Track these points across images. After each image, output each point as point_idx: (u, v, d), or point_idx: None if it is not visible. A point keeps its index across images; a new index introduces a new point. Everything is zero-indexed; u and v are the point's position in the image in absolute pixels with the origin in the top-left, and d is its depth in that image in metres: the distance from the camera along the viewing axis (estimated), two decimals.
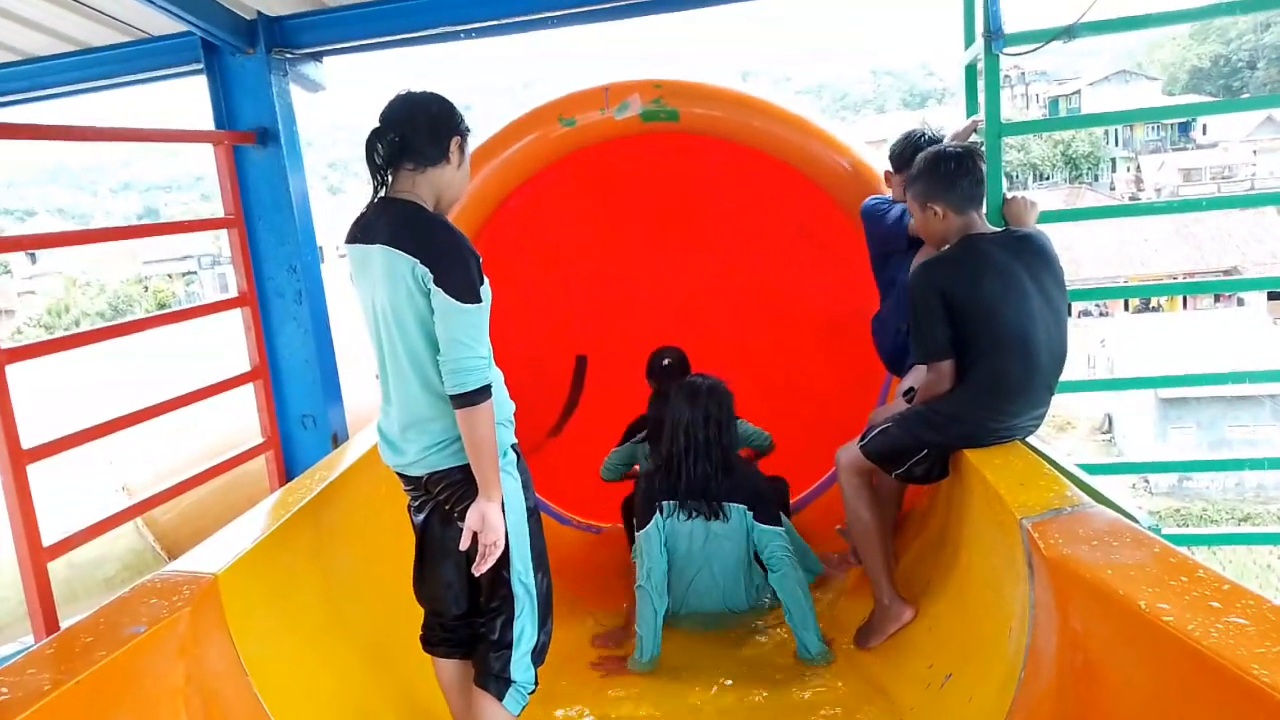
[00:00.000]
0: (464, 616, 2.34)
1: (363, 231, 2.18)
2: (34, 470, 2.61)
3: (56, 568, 2.70)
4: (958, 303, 2.62)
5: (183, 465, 4.39)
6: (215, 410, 3.85)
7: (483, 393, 2.04)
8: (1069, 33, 3.07)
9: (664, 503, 3.27)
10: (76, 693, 1.59)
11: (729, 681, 2.97)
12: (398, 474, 2.32)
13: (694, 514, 3.25)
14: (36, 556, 2.59)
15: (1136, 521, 2.05)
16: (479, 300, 2.07)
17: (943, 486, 3.00)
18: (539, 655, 2.28)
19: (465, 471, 2.13)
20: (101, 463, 4.53)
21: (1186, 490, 24.09)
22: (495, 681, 2.21)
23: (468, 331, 2.04)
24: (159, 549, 4.54)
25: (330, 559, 2.66)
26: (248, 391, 3.69)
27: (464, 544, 2.12)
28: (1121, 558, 1.74)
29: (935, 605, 2.77)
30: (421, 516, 2.34)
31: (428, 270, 2.02)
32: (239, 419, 4.06)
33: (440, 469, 2.19)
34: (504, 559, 2.16)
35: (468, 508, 2.11)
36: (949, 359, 2.67)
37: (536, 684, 2.29)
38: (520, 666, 2.22)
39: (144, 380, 4.96)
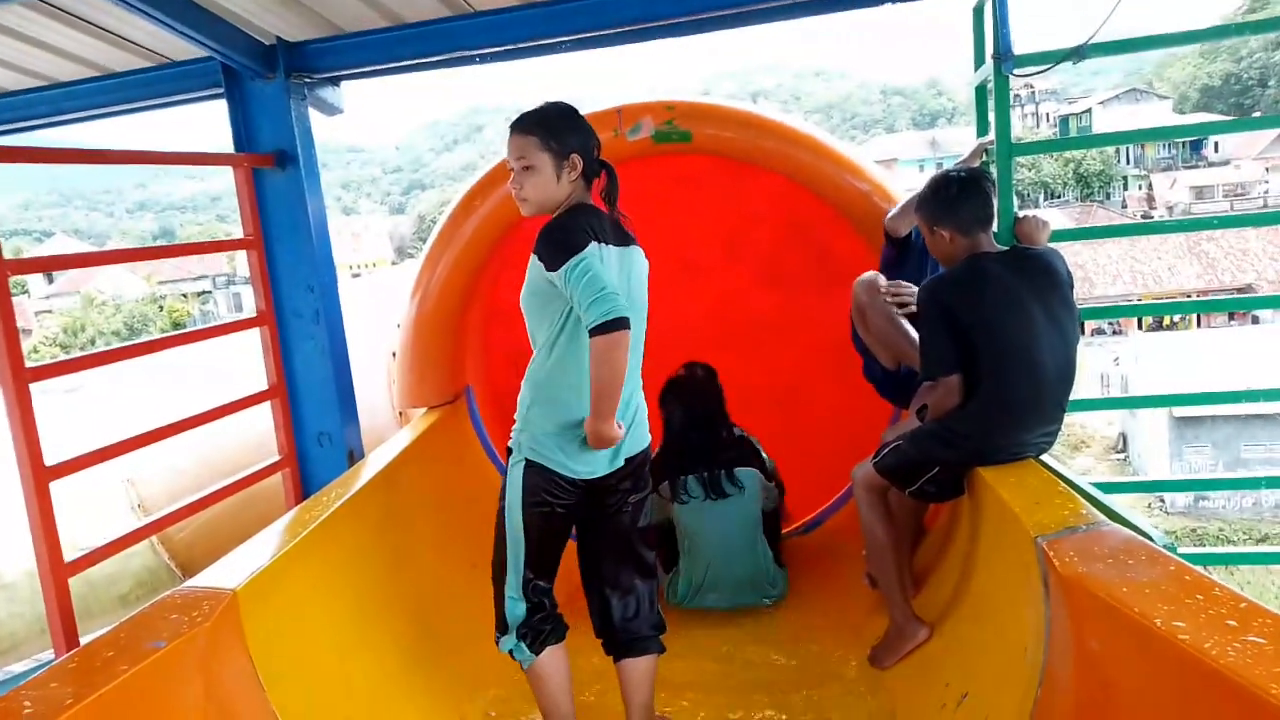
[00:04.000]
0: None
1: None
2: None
3: (73, 585, 2.72)
4: (960, 320, 2.66)
5: (194, 468, 4.43)
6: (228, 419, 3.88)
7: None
8: (1078, 54, 3.09)
9: (680, 478, 3.66)
10: (98, 707, 1.61)
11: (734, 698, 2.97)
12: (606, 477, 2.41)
13: (707, 489, 3.62)
14: (58, 572, 2.62)
15: (1152, 540, 2.05)
16: None
17: (957, 505, 3.01)
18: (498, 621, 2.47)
19: None
20: (115, 480, 4.57)
21: (1202, 510, 23.85)
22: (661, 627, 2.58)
23: None
24: (173, 566, 4.56)
25: (347, 576, 2.68)
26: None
27: None
28: (1137, 576, 1.73)
29: (950, 624, 2.76)
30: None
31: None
32: (248, 425, 4.08)
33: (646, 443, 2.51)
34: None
35: None
36: (955, 374, 2.69)
37: (518, 646, 2.42)
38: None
39: (157, 392, 5.03)
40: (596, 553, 2.52)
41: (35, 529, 2.59)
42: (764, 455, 3.87)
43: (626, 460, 2.40)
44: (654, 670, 2.52)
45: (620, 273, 2.32)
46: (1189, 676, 1.43)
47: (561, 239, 2.20)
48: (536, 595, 2.42)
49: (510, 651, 2.44)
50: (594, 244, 2.20)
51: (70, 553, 2.73)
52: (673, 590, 3.69)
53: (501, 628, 2.46)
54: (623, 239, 2.40)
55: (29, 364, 2.62)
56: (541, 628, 2.43)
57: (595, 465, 2.35)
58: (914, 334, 3.06)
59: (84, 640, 2.39)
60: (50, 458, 2.64)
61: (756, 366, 4.87)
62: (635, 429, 2.41)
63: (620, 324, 2.08)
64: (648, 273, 2.50)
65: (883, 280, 3.28)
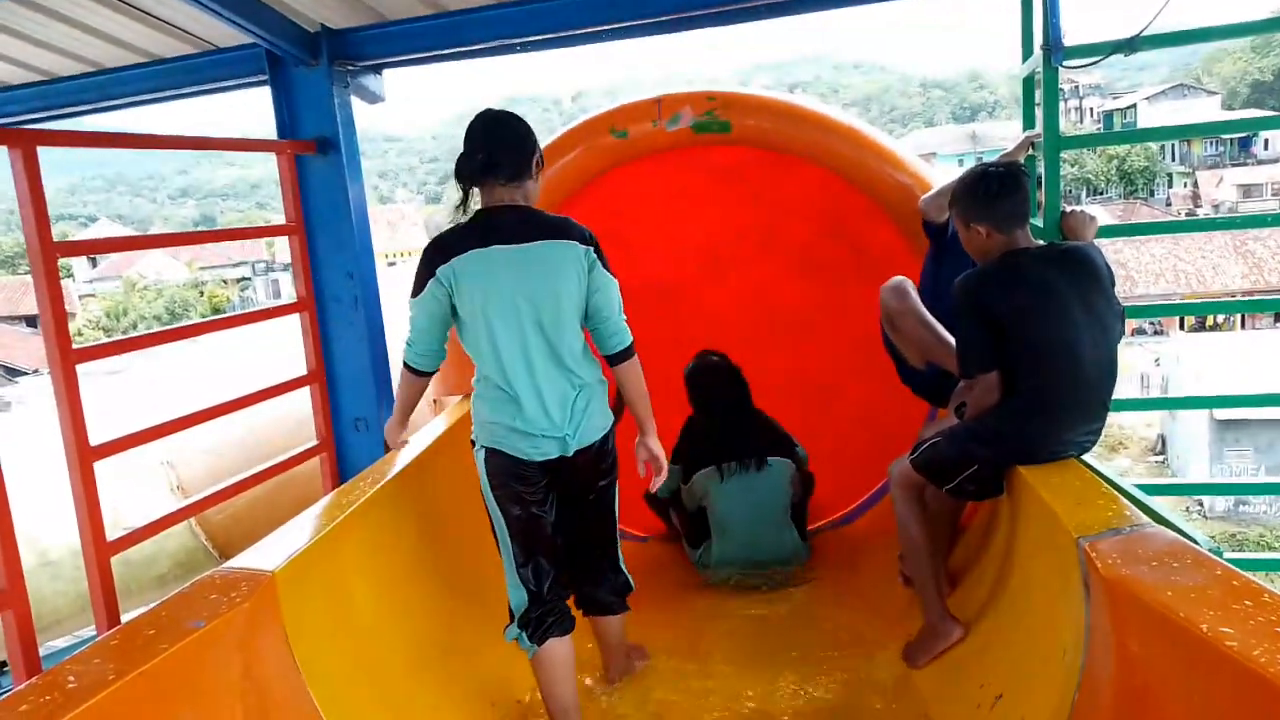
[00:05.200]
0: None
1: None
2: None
3: (113, 563, 2.78)
4: (995, 315, 2.61)
5: (232, 451, 4.50)
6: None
7: (633, 348, 2.54)
8: (1130, 45, 3.02)
9: (713, 464, 3.79)
10: (139, 683, 1.64)
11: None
12: (535, 461, 2.50)
13: (738, 469, 3.76)
14: (101, 551, 2.67)
15: (1197, 544, 2.01)
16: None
17: (996, 504, 2.97)
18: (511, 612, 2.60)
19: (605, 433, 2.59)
20: (155, 461, 4.66)
21: (1243, 515, 23.34)
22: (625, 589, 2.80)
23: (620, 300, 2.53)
24: (210, 548, 4.64)
25: (383, 561, 2.71)
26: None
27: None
28: (1182, 580, 1.70)
29: (987, 624, 2.73)
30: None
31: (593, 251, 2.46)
32: (285, 410, 4.14)
33: (591, 441, 2.53)
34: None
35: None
36: (993, 371, 2.65)
37: (520, 636, 2.55)
38: None
39: (197, 376, 5.11)
40: (569, 529, 2.65)
41: (80, 507, 2.64)
42: (797, 445, 3.92)
43: (575, 454, 2.52)
44: (622, 621, 2.82)
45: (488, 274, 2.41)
46: (1235, 684, 1.40)
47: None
48: (534, 583, 2.51)
49: (516, 640, 2.54)
50: (432, 278, 2.41)
51: (112, 532, 2.78)
52: (704, 565, 3.86)
53: (509, 616, 2.58)
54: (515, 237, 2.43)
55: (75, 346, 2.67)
56: (544, 619, 2.51)
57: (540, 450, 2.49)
58: (947, 335, 3.03)
59: (125, 618, 2.44)
60: (94, 438, 2.69)
61: (790, 360, 4.84)
62: (572, 423, 2.50)
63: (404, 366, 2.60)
64: (563, 258, 2.45)
65: (909, 284, 3.25)
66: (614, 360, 2.53)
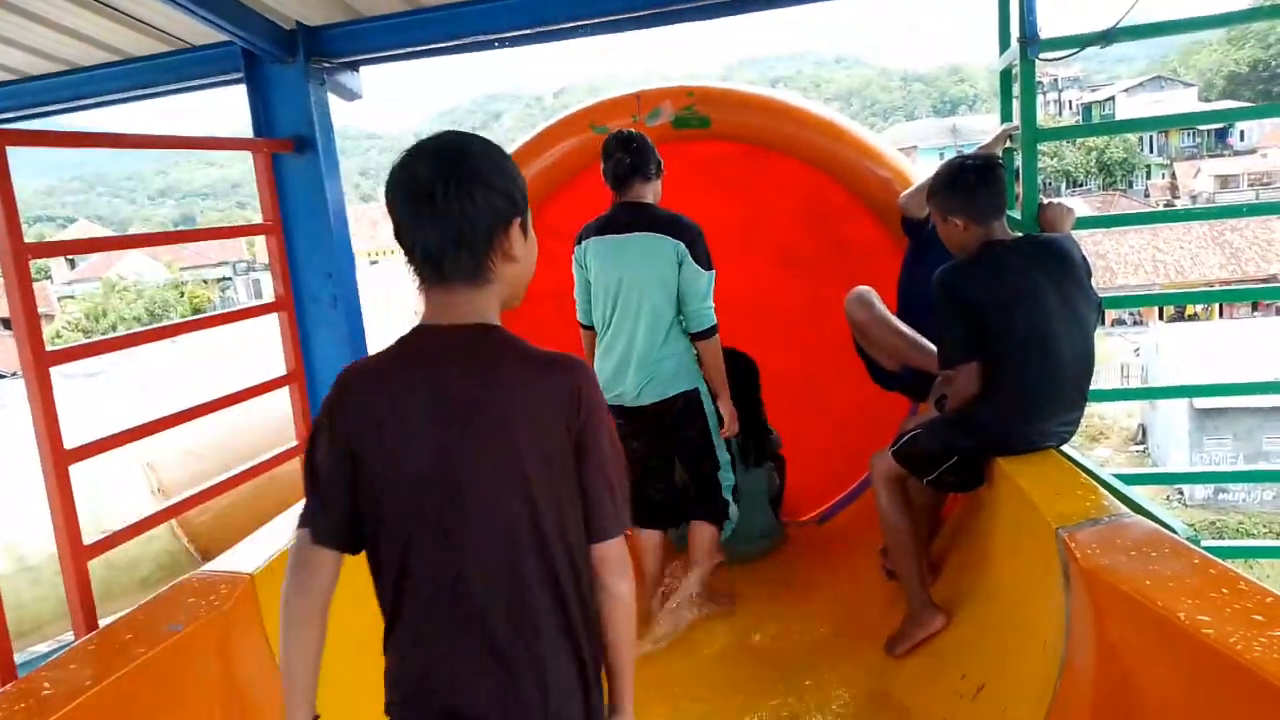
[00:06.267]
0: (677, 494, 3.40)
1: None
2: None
3: (94, 567, 2.74)
4: (975, 307, 2.63)
5: (213, 453, 4.46)
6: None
7: (713, 330, 3.15)
8: (1106, 37, 3.04)
9: None
10: (116, 688, 1.63)
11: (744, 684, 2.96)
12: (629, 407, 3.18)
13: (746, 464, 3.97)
14: (77, 555, 2.64)
15: (1175, 532, 2.02)
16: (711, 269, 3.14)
17: (978, 495, 2.98)
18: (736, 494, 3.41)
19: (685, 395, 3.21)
20: (135, 463, 4.61)
21: (1222, 502, 23.58)
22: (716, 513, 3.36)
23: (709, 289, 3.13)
24: (193, 550, 4.60)
25: (363, 561, 2.68)
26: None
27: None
28: (1160, 569, 1.71)
29: (969, 615, 2.74)
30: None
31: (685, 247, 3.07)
32: (267, 411, 4.10)
33: (671, 394, 3.18)
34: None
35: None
36: (973, 361, 2.67)
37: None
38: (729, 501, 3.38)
39: (177, 377, 5.06)
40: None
41: (55, 511, 2.60)
42: (772, 432, 4.17)
43: (646, 405, 3.18)
44: (708, 535, 3.35)
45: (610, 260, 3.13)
46: (1213, 671, 1.41)
47: None
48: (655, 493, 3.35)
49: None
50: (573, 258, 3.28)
51: (92, 536, 2.75)
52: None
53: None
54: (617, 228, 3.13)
55: (51, 348, 2.63)
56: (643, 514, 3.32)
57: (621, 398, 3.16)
58: (919, 337, 3.06)
59: (103, 623, 2.41)
60: (71, 441, 2.65)
61: (772, 356, 4.84)
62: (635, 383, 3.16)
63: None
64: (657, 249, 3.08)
65: (872, 293, 3.35)
66: (695, 338, 3.16)
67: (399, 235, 1.32)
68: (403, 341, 1.36)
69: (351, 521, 1.39)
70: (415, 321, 1.37)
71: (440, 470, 1.30)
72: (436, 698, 1.36)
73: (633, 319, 3.10)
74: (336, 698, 2.31)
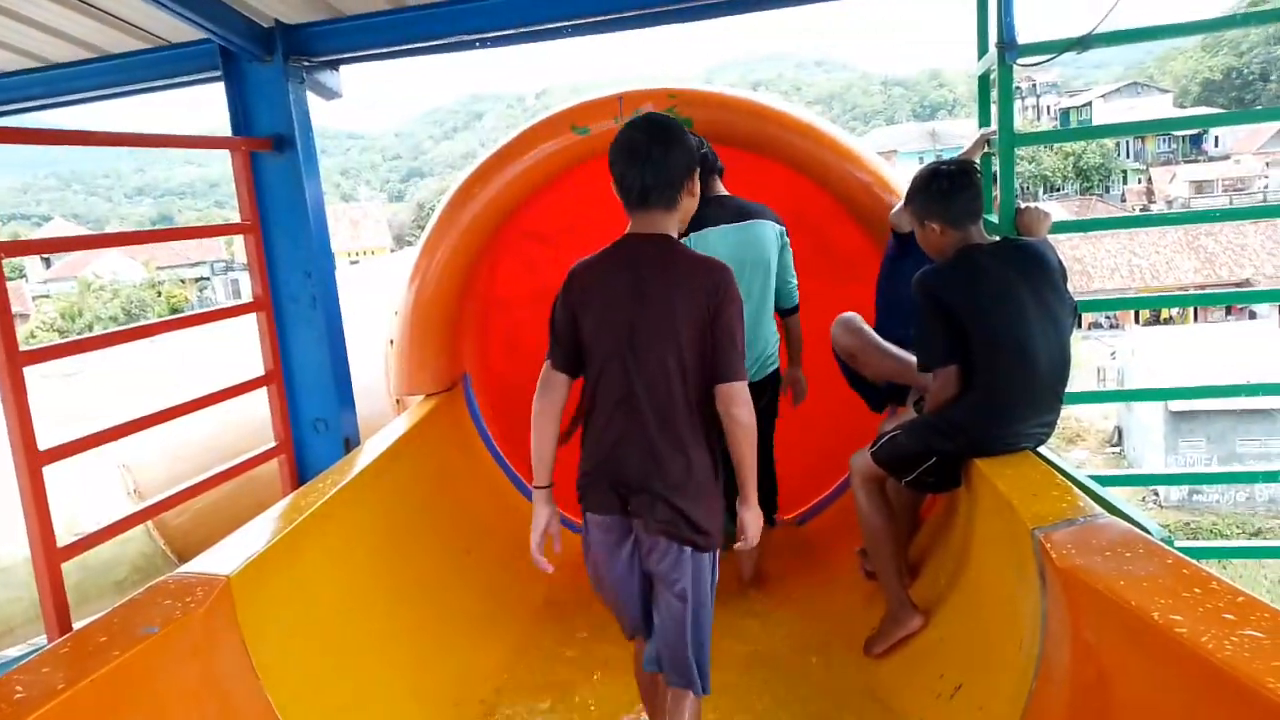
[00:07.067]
0: None
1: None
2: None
3: (69, 570, 2.71)
4: (953, 311, 2.66)
5: (190, 454, 4.41)
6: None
7: (797, 308, 3.58)
8: (1082, 43, 3.07)
9: None
10: (90, 692, 1.60)
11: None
12: None
13: None
14: (51, 558, 2.61)
15: (1149, 533, 2.05)
16: None
17: (954, 496, 3.00)
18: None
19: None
20: (111, 465, 4.57)
21: (1196, 504, 23.87)
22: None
23: None
24: (169, 552, 4.56)
25: (342, 562, 2.67)
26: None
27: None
28: (1134, 569, 1.73)
29: (946, 615, 2.76)
30: None
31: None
32: (246, 411, 4.07)
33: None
34: None
35: None
36: (951, 364, 2.69)
37: None
38: None
39: (154, 377, 5.01)
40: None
41: (28, 513, 2.58)
42: None
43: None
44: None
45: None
46: (1186, 669, 1.43)
47: None
48: None
49: None
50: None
51: (67, 538, 2.72)
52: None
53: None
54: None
55: (25, 348, 2.60)
56: None
57: None
58: (906, 355, 3.08)
59: (77, 625, 2.39)
60: (47, 442, 2.63)
61: None
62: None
63: None
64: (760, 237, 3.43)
65: (858, 319, 3.38)
66: (783, 314, 3.56)
67: (620, 180, 2.07)
68: (616, 245, 2.10)
69: (575, 356, 2.11)
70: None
71: (626, 326, 2.01)
72: (612, 472, 2.06)
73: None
74: (337, 698, 2.30)
